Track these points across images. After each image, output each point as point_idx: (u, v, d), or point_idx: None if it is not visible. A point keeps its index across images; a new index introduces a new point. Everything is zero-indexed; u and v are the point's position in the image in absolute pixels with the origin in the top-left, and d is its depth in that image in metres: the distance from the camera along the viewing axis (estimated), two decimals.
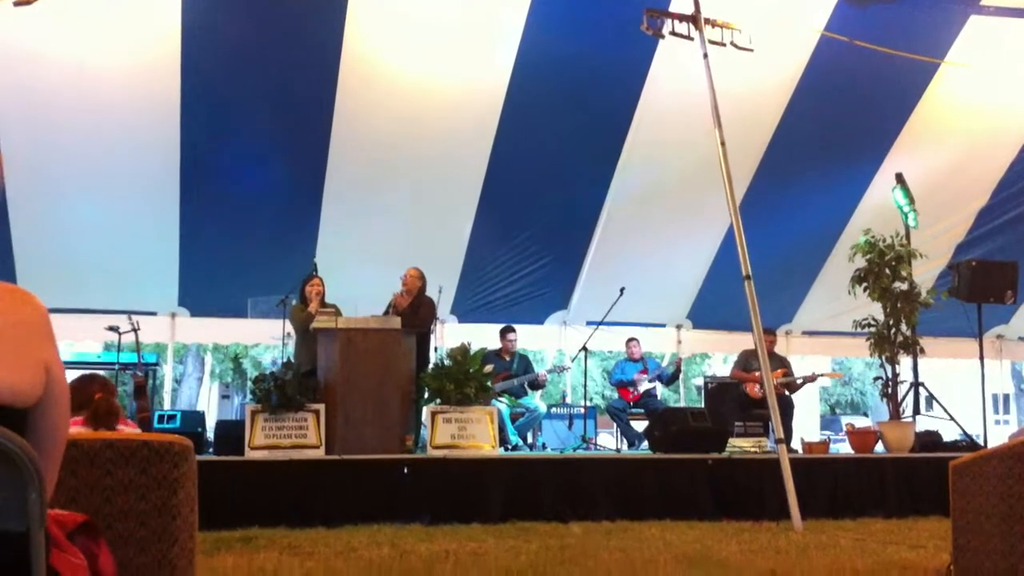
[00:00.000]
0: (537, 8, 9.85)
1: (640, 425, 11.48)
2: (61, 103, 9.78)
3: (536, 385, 11.33)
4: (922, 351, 10.37)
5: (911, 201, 11.12)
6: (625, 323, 12.23)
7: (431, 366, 9.31)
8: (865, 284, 10.11)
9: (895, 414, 10.03)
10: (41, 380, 2.19)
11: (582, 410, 11.62)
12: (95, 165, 10.29)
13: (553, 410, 11.99)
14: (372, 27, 9.83)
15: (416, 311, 9.72)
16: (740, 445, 9.36)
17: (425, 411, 8.80)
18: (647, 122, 11.02)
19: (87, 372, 4.76)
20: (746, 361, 11.08)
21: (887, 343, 9.98)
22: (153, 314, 11.56)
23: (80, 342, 12.80)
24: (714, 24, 9.21)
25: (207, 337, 16.35)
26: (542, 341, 13.60)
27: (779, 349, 12.15)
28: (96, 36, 9.48)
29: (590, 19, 9.98)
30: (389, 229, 11.36)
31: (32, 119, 9.86)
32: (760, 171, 11.65)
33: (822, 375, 11.90)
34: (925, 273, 11.69)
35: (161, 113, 10.00)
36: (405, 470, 7.99)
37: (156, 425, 9.09)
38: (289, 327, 10.02)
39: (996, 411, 31.22)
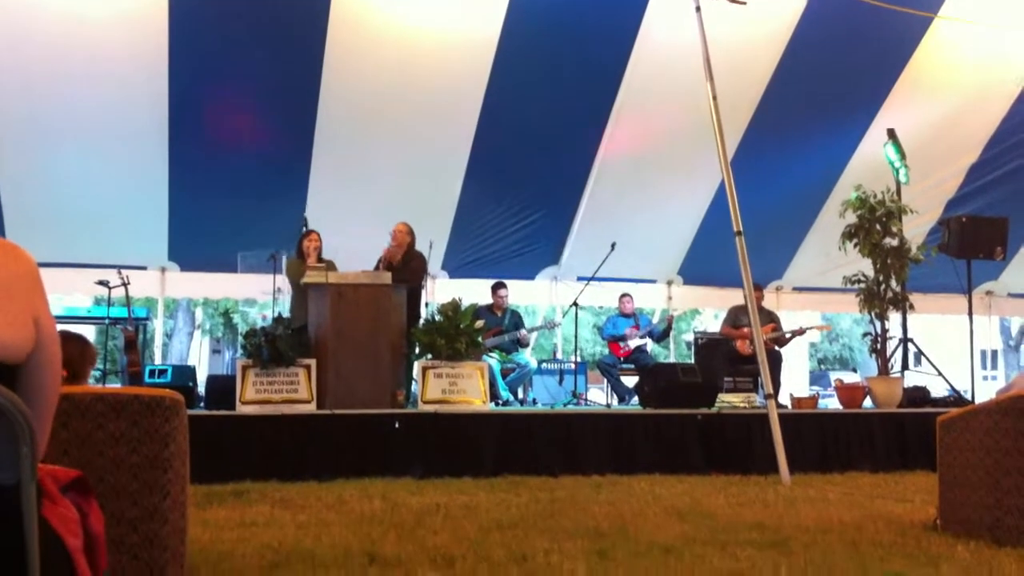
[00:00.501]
0: None
1: (630, 380, 11.53)
2: (47, 54, 9.67)
3: (520, 344, 11.31)
4: (911, 307, 10.41)
5: (902, 157, 11.11)
6: (616, 279, 12.23)
7: (422, 321, 9.31)
8: (855, 240, 10.12)
9: (884, 370, 10.08)
10: (31, 335, 2.18)
11: (572, 365, 11.65)
12: (83, 119, 10.20)
13: (544, 365, 12.02)
14: None
15: (407, 265, 9.71)
16: (729, 400, 9.41)
17: (416, 366, 8.82)
18: (639, 76, 10.96)
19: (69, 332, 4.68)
20: (735, 317, 11.10)
21: (877, 299, 10.02)
22: (143, 268, 11.49)
23: (70, 296, 12.77)
24: None
25: (197, 292, 16.27)
26: (533, 296, 13.61)
27: (770, 305, 12.19)
28: None
29: None
30: (380, 183, 11.31)
31: (19, 71, 9.77)
32: (752, 126, 11.61)
33: (810, 328, 11.91)
34: (915, 229, 11.71)
35: (149, 64, 9.88)
36: (396, 424, 8.02)
37: (147, 379, 9.08)
38: (280, 282, 10.02)
39: (984, 367, 31.43)
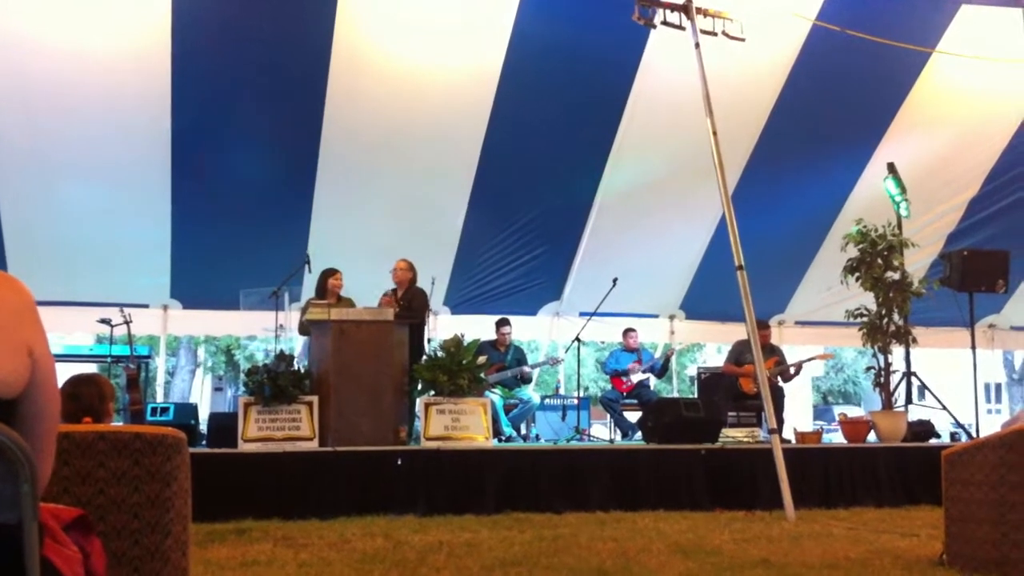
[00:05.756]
0: None
1: (633, 416, 11.49)
2: (51, 90, 9.70)
3: (523, 380, 11.29)
4: (914, 341, 10.38)
5: (903, 191, 11.14)
6: (618, 314, 12.21)
7: (424, 358, 9.30)
8: (857, 274, 10.12)
9: (887, 404, 10.05)
10: (27, 366, 2.14)
11: (575, 401, 11.62)
12: (86, 156, 10.25)
13: (546, 401, 11.99)
14: (364, 16, 9.78)
15: (409, 304, 9.72)
16: (733, 435, 9.38)
17: (419, 403, 8.80)
18: (640, 111, 11.00)
19: (81, 374, 4.53)
20: (739, 354, 11.07)
21: (879, 333, 10.00)
22: (145, 307, 11.52)
23: (72, 335, 12.77)
24: (706, 14, 9.20)
25: (199, 329, 16.31)
26: (535, 332, 13.59)
27: (772, 338, 12.15)
28: (87, 22, 9.41)
29: (583, 6, 9.97)
30: (382, 219, 11.34)
31: (22, 108, 9.82)
32: (753, 160, 11.64)
33: (811, 359, 11.88)
34: (917, 262, 11.71)
35: (152, 102, 9.91)
36: (399, 461, 7.99)
37: (149, 418, 9.07)
38: (282, 318, 10.06)
39: (988, 400, 31.32)
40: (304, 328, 9.72)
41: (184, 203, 10.75)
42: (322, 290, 9.76)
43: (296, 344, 10.63)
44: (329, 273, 9.80)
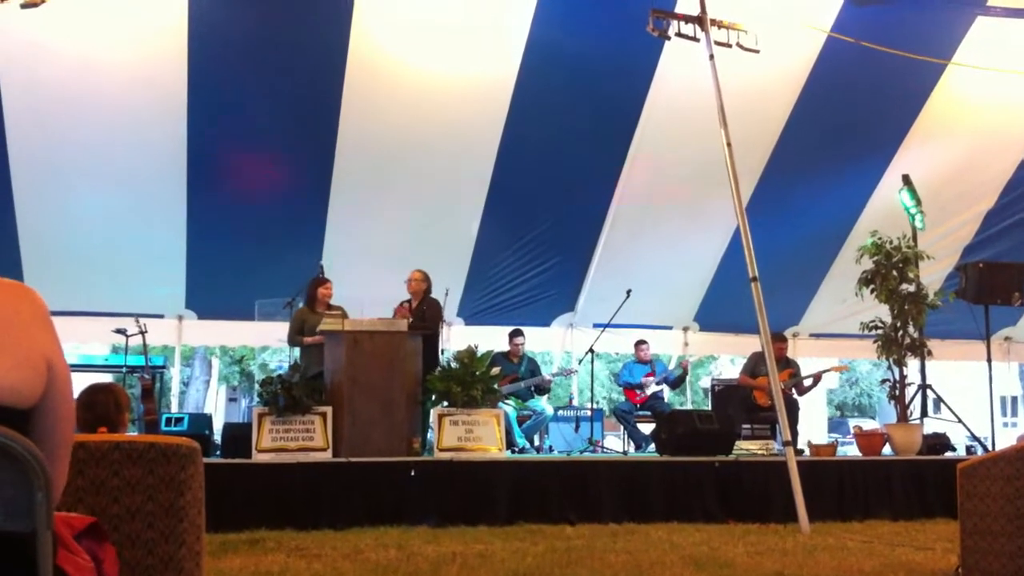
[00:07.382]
0: (544, 5, 9.84)
1: (647, 427, 11.46)
2: (66, 100, 9.74)
3: (541, 390, 11.27)
4: (930, 353, 10.33)
5: (918, 203, 11.10)
6: (632, 325, 12.19)
7: (438, 369, 9.30)
8: (872, 286, 10.09)
9: (903, 416, 10.01)
10: (43, 376, 2.14)
11: (589, 413, 11.60)
12: (102, 167, 10.29)
13: (560, 412, 11.98)
14: (379, 25, 9.81)
15: (423, 315, 9.72)
16: (747, 447, 9.35)
17: (432, 413, 8.80)
18: (654, 121, 10.99)
19: (97, 384, 4.52)
20: (754, 365, 11.03)
21: (895, 345, 9.96)
22: (160, 317, 11.55)
23: (87, 345, 12.81)
24: (720, 25, 9.21)
25: (214, 340, 16.34)
26: (549, 343, 13.58)
27: (787, 351, 12.11)
28: (104, 31, 9.45)
29: (597, 16, 9.98)
30: (396, 230, 11.35)
31: (38, 118, 9.86)
32: (767, 171, 11.61)
33: (827, 370, 11.84)
34: (932, 275, 11.66)
35: (168, 112, 9.95)
36: (412, 472, 7.99)
37: (163, 428, 9.09)
38: None
39: (1004, 413, 31.13)
40: (293, 339, 9.72)
41: (200, 213, 10.78)
42: (312, 299, 9.74)
43: None
44: (319, 282, 9.78)
